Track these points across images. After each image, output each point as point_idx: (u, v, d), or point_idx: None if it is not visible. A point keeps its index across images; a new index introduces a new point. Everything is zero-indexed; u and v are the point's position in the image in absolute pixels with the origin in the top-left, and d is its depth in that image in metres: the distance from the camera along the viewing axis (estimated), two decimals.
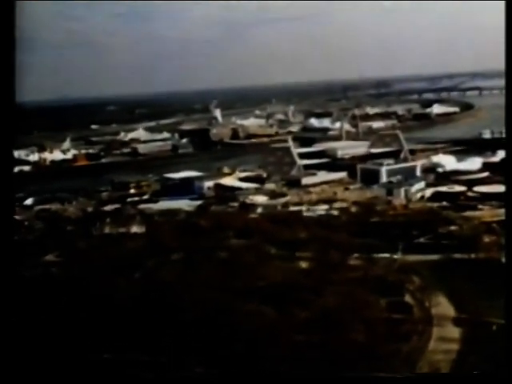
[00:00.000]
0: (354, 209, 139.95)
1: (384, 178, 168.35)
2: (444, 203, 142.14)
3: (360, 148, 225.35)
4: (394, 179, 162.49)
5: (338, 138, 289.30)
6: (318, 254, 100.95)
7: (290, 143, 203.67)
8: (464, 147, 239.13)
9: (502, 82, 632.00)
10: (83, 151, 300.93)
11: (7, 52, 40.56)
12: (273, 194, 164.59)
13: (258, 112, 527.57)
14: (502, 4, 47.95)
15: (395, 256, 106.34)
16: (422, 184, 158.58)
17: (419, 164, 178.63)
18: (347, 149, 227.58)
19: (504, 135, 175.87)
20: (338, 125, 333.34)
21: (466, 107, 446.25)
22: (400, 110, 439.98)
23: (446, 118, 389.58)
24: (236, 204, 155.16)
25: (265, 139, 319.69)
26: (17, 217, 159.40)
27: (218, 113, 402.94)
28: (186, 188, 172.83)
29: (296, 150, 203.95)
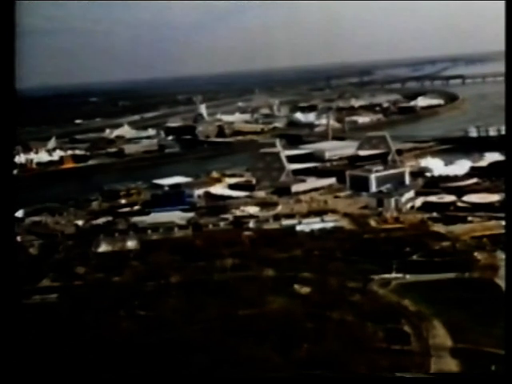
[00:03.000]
0: (345, 222, 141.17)
1: (373, 186, 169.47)
2: (434, 214, 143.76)
3: (347, 149, 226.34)
4: (383, 188, 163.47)
5: (324, 135, 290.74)
6: (315, 281, 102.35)
7: (279, 148, 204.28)
8: (450, 146, 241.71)
9: (483, 68, 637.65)
10: (69, 152, 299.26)
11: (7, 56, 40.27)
12: (264, 204, 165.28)
13: (241, 104, 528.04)
14: None
15: (390, 276, 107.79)
16: (411, 193, 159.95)
17: (408, 170, 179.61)
18: (334, 150, 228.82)
19: (489, 133, 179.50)
20: (323, 120, 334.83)
21: (451, 98, 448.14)
22: (384, 101, 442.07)
23: (430, 110, 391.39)
24: (227, 216, 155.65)
25: (251, 136, 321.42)
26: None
27: (203, 109, 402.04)
28: (176, 198, 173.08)
29: (284, 153, 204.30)
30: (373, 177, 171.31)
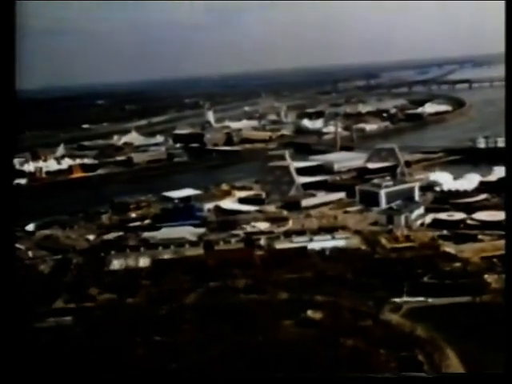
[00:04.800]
0: (356, 240, 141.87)
1: (383, 201, 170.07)
2: (444, 232, 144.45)
3: (356, 161, 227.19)
4: (393, 205, 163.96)
5: (332, 144, 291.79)
6: (328, 305, 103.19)
7: (289, 161, 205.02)
8: (459, 157, 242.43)
9: (490, 72, 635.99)
10: (78, 160, 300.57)
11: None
12: (274, 219, 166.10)
13: (248, 109, 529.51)
14: None
15: (401, 300, 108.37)
16: (421, 209, 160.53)
17: (417, 185, 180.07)
18: (343, 162, 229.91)
19: (498, 144, 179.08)
20: (331, 128, 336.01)
21: (458, 104, 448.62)
22: (391, 107, 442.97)
23: (438, 117, 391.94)
24: (238, 232, 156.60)
25: (259, 144, 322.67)
26: (19, 245, 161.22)
27: (210, 116, 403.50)
28: (186, 213, 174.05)
29: (293, 165, 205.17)
30: (383, 192, 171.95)
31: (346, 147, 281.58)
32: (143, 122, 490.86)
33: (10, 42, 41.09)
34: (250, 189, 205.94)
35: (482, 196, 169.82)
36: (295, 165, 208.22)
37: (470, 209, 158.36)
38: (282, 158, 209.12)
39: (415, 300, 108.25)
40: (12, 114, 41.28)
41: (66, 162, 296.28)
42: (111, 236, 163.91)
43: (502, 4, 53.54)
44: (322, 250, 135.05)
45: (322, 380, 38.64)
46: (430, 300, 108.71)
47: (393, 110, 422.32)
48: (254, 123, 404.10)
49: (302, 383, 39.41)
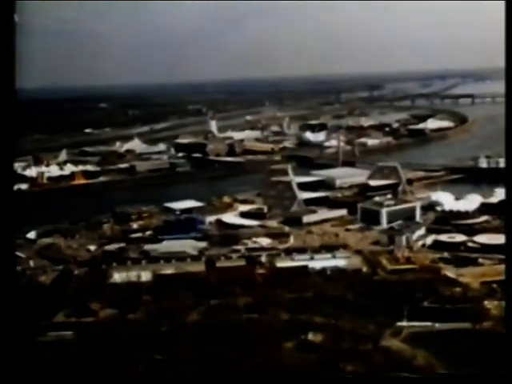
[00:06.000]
0: (357, 260, 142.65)
1: (384, 220, 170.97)
2: (445, 254, 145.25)
3: (358, 177, 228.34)
4: (395, 225, 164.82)
5: (334, 158, 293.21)
6: (328, 327, 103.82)
7: (291, 176, 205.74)
8: (460, 175, 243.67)
9: (493, 86, 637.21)
10: (80, 166, 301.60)
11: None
12: (275, 235, 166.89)
13: (250, 118, 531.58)
14: (497, 3, 50.35)
15: (401, 324, 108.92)
16: (422, 230, 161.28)
17: (418, 204, 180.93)
18: (345, 177, 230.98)
19: (499, 165, 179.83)
20: (333, 141, 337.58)
21: (460, 120, 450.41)
22: (394, 121, 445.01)
23: (440, 133, 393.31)
24: (239, 247, 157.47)
25: (261, 156, 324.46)
26: (19, 253, 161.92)
27: (213, 126, 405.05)
28: (188, 225, 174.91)
29: (295, 180, 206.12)
30: (384, 211, 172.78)
31: (348, 162, 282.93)
32: (145, 129, 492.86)
33: (10, 41, 41.32)
34: (252, 202, 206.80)
35: (483, 218, 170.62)
36: (297, 179, 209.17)
37: (471, 231, 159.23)
38: (285, 172, 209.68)
39: (415, 325, 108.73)
40: (13, 116, 41.47)
41: (68, 168, 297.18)
42: (112, 247, 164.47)
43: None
44: (323, 270, 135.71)
45: (322, 380, 39.25)
46: (429, 325, 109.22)
47: (395, 125, 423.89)
48: (257, 134, 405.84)
49: (302, 383, 39.99)
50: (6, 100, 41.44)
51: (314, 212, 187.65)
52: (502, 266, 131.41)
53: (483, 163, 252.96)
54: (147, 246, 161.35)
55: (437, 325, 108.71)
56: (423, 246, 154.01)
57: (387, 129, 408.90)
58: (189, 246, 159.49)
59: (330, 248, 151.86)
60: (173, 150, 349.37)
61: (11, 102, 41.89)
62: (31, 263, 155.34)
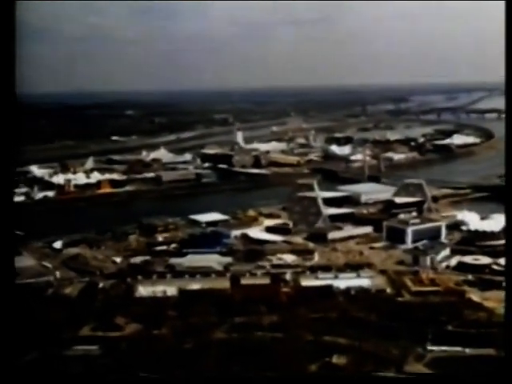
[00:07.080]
0: (381, 280, 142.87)
1: (409, 239, 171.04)
2: (469, 277, 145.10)
3: (383, 193, 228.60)
4: (420, 245, 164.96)
5: (360, 173, 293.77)
6: (351, 350, 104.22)
7: (317, 191, 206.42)
8: (486, 194, 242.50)
9: None
10: (107, 174, 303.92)
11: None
12: (300, 251, 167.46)
13: (276, 129, 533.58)
14: None
15: (425, 348, 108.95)
16: (447, 251, 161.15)
17: (444, 224, 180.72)
18: (371, 193, 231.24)
19: None
20: (359, 155, 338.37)
21: (486, 136, 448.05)
22: (419, 135, 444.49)
23: (466, 149, 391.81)
24: (264, 263, 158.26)
25: (287, 169, 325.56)
26: (45, 263, 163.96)
27: (240, 137, 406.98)
28: (213, 239, 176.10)
29: (321, 195, 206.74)
30: (409, 230, 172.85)
31: (374, 177, 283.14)
32: (172, 138, 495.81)
33: (11, 43, 42.22)
34: (278, 216, 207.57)
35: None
36: (323, 195, 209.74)
37: (496, 252, 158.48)
38: (311, 187, 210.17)
39: (439, 349, 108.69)
40: (13, 121, 42.09)
41: (95, 176, 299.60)
42: (138, 260, 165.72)
43: None
44: (348, 289, 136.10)
45: (322, 380, 39.90)
46: (453, 349, 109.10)
47: (421, 140, 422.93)
48: (283, 146, 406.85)
49: (302, 383, 40.63)
50: (6, 106, 41.83)
51: (340, 229, 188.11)
52: None
53: None
54: (172, 260, 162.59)
55: (460, 350, 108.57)
56: (447, 267, 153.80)
57: (413, 143, 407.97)
58: (214, 260, 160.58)
59: (355, 267, 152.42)
60: (199, 161, 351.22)
61: (12, 109, 42.46)
62: (57, 274, 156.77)
